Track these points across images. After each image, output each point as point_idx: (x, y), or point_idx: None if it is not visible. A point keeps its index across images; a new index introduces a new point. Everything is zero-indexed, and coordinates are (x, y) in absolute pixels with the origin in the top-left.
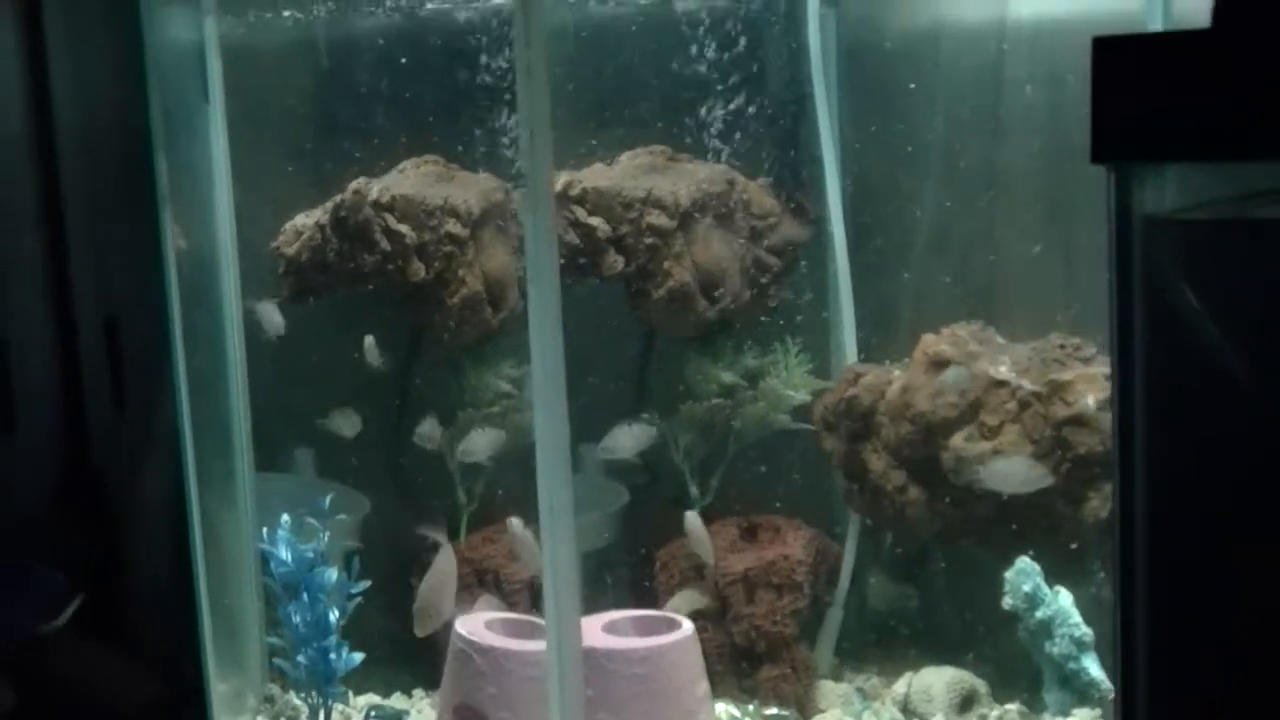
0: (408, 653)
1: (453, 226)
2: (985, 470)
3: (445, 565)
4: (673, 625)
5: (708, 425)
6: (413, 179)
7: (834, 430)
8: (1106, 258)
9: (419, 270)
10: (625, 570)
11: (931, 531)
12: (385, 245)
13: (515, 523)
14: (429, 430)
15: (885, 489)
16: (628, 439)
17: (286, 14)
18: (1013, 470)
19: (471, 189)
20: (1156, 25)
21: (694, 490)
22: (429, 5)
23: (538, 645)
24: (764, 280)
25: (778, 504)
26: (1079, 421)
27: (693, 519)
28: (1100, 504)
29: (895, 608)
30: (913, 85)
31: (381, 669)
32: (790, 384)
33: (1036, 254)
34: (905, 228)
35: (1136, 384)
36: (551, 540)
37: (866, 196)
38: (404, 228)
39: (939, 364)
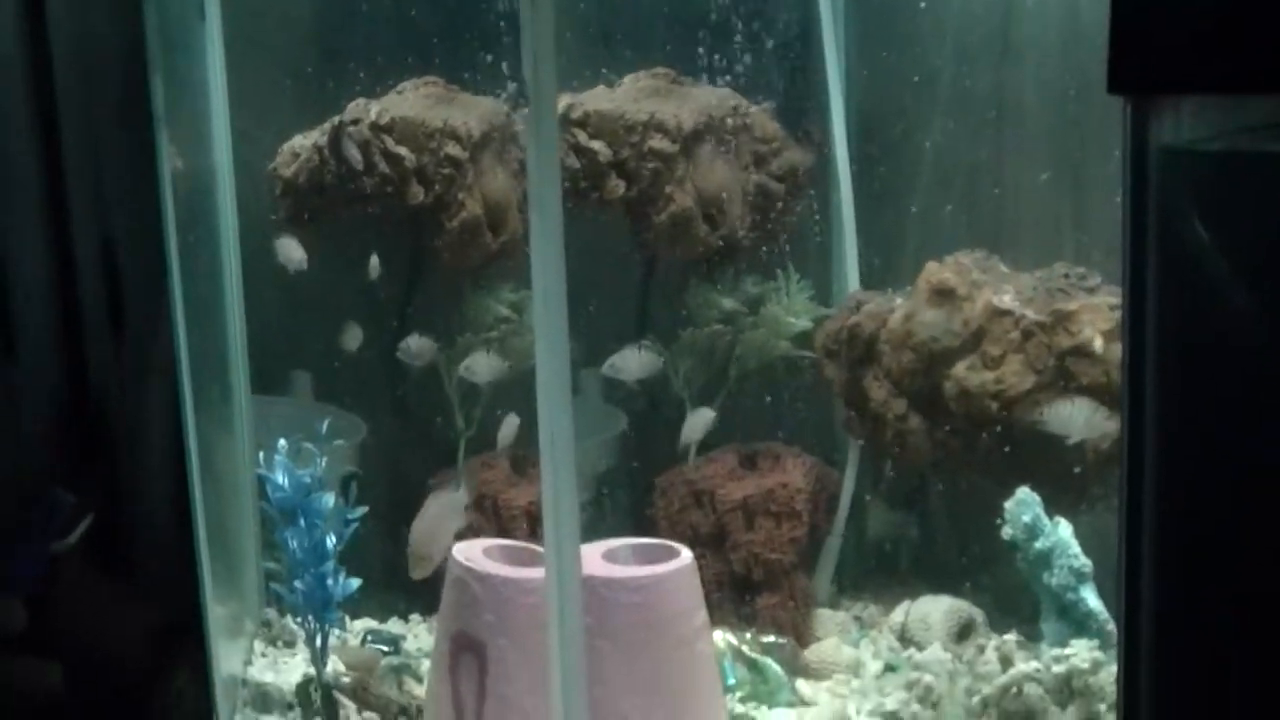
0: (405, 578)
1: (452, 149)
2: (1049, 412)
3: (437, 508)
4: (672, 554)
5: (708, 352)
6: (412, 101)
7: (835, 358)
8: (1120, 189)
9: (418, 193)
10: (625, 496)
11: (931, 461)
12: (383, 168)
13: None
14: (415, 346)
15: (886, 417)
16: (634, 363)
17: None
18: (1076, 414)
19: (472, 111)
20: None
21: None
22: None
23: (536, 573)
24: (767, 207)
25: (778, 432)
26: (1082, 352)
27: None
28: (1098, 440)
29: (893, 537)
30: (922, 7)
31: (379, 593)
32: (792, 311)
33: (1043, 182)
34: (911, 155)
35: (1149, 319)
36: (552, 468)
37: (872, 123)
38: (402, 150)
39: (942, 293)
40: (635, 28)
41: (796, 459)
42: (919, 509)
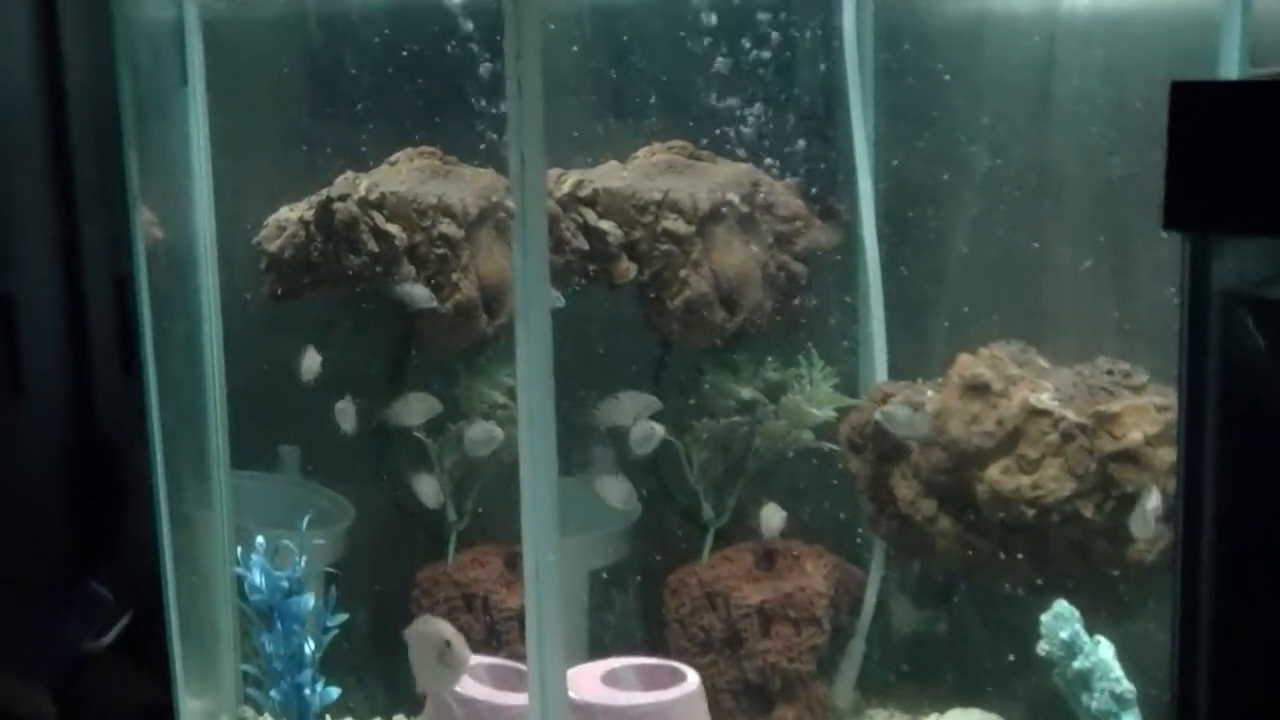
0: (389, 672)
1: (447, 227)
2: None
3: (417, 641)
4: (677, 677)
5: (725, 442)
6: (405, 174)
7: (860, 452)
8: (1167, 279)
9: (410, 273)
10: (635, 594)
11: (962, 565)
12: (373, 246)
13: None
14: (415, 404)
15: (913, 518)
16: (616, 491)
17: None
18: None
19: (469, 185)
20: (1234, 24)
21: (709, 511)
22: None
23: (522, 699)
24: (789, 289)
25: (799, 526)
26: (1127, 457)
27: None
28: (1147, 546)
29: (921, 641)
30: (957, 80)
31: (364, 687)
32: (815, 400)
33: (1086, 268)
34: (944, 235)
35: (1206, 469)
36: (535, 577)
37: (903, 200)
38: (393, 228)
39: (975, 388)
40: (653, 97)
41: (818, 559)
42: (949, 611)
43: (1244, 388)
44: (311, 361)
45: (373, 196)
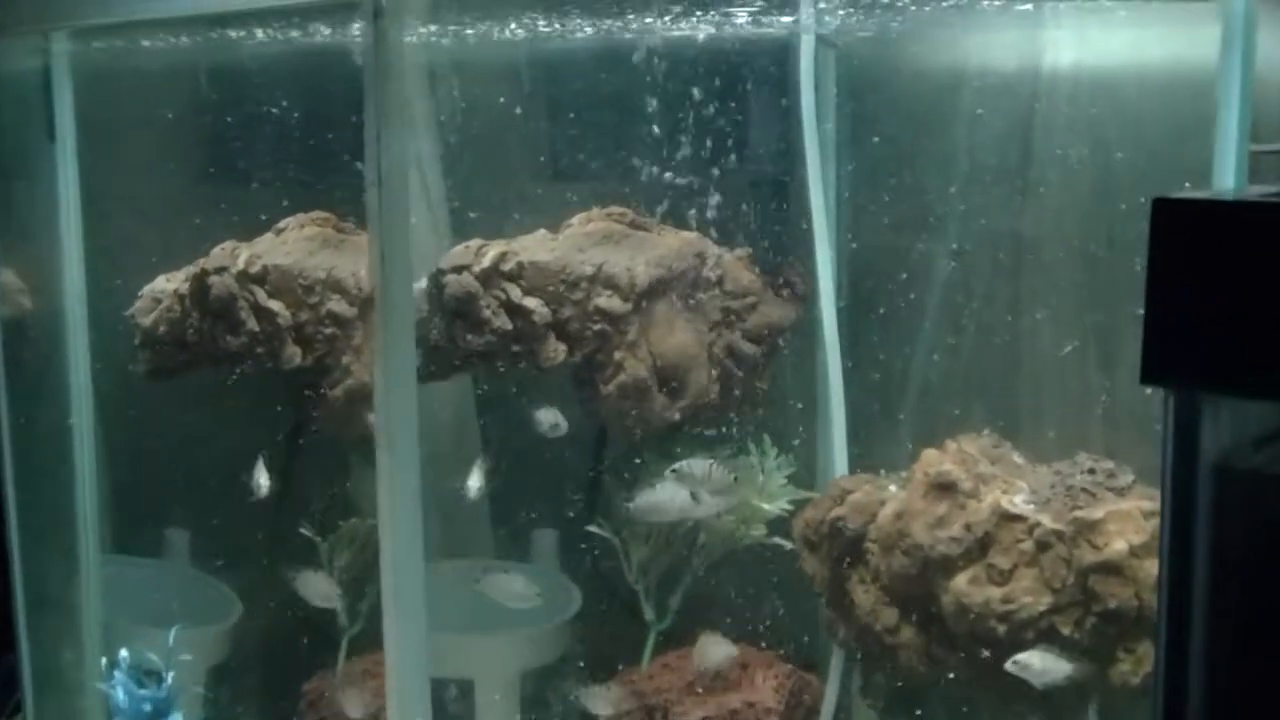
0: None
1: (336, 304)
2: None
3: None
4: None
5: (667, 539)
6: (292, 243)
7: (816, 551)
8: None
9: (294, 355)
10: (569, 701)
11: (929, 681)
12: (253, 325)
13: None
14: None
15: (873, 628)
16: (514, 587)
17: (146, 43)
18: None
19: (363, 257)
20: (1233, 92)
21: (649, 612)
22: (324, 32)
23: None
24: (739, 371)
25: (748, 629)
26: (1109, 569)
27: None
28: (1133, 668)
29: None
30: (929, 141)
31: None
32: (767, 494)
33: (1069, 352)
34: (912, 312)
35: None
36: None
37: (866, 274)
38: (276, 305)
39: (942, 487)
40: (594, 158)
41: (769, 669)
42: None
43: (1236, 563)
44: (261, 477)
45: (253, 270)
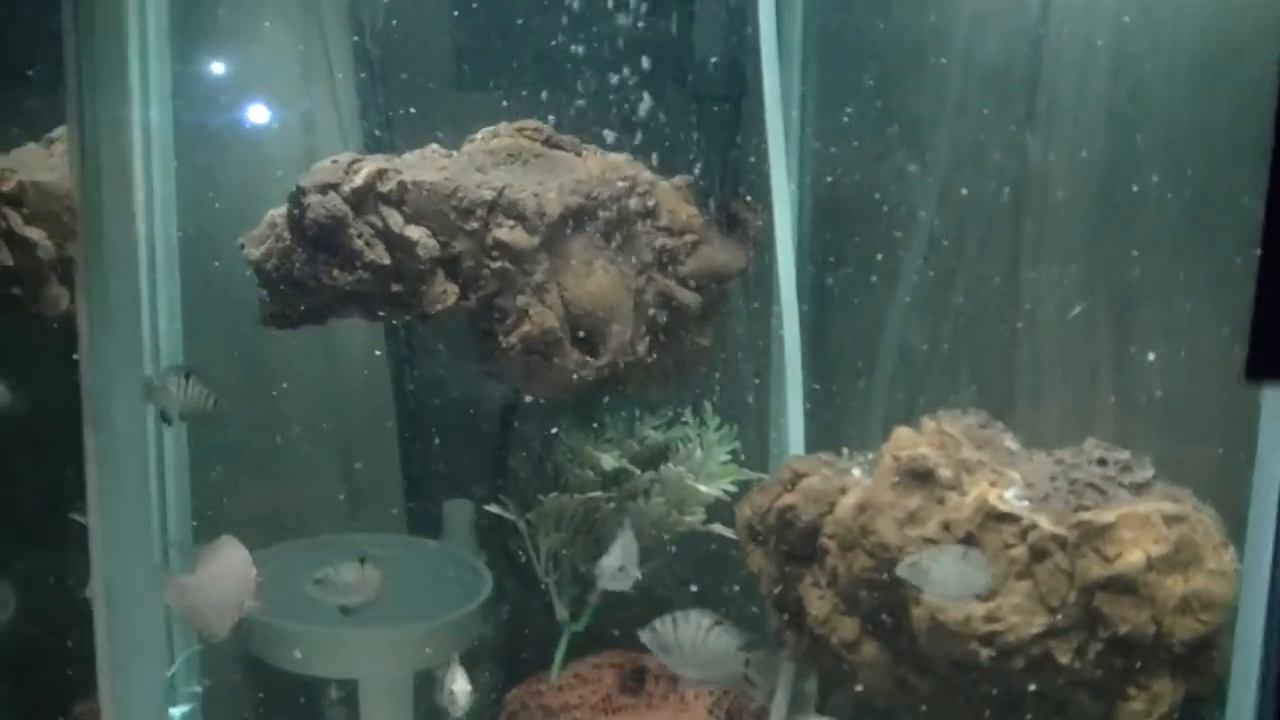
0: None
1: (508, 232)
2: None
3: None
4: None
5: (583, 525)
6: (457, 158)
7: (763, 545)
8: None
9: (444, 294)
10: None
11: (894, 705)
12: (375, 257)
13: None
14: None
15: (829, 640)
16: (349, 577)
17: None
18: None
19: (558, 175)
20: None
21: (561, 611)
22: None
23: None
24: (674, 324)
25: None
26: (1121, 586)
27: None
28: (1146, 709)
29: None
30: (916, 59)
31: None
32: (706, 472)
33: (1075, 316)
34: (888, 262)
35: None
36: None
37: (833, 214)
38: (415, 231)
39: (916, 475)
40: (507, 64)
41: None
42: None
43: None
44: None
45: (384, 187)
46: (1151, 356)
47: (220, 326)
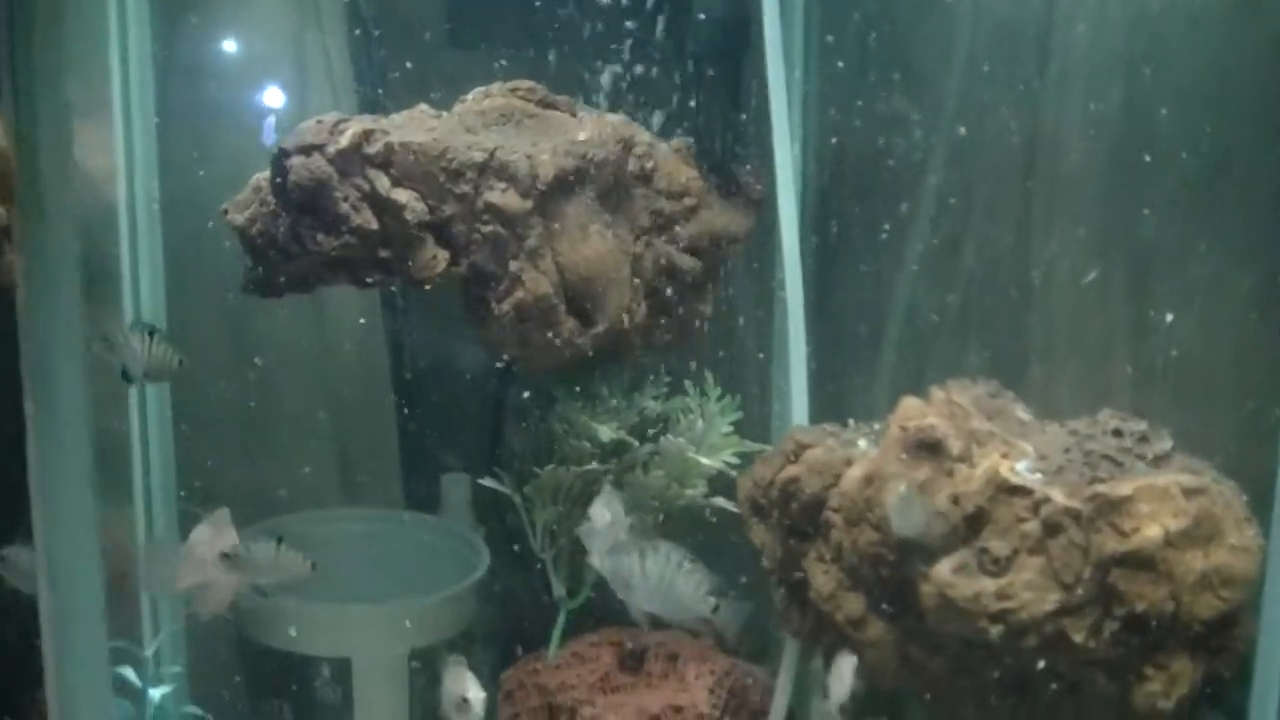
0: None
1: (500, 195)
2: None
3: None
4: None
5: (580, 498)
6: (447, 118)
7: (765, 519)
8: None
9: (434, 260)
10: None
11: (902, 686)
12: (363, 221)
13: None
14: None
15: (834, 618)
16: (263, 557)
17: None
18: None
19: (550, 136)
20: None
21: (559, 588)
22: None
23: None
24: (674, 291)
25: None
26: (1138, 562)
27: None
28: (1164, 690)
29: None
30: (925, 14)
31: None
32: (707, 444)
33: (1091, 281)
34: (896, 225)
35: None
36: None
37: (838, 177)
38: (404, 194)
39: (925, 447)
40: (501, 23)
41: (703, 662)
42: None
43: None
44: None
45: (370, 149)
46: (1170, 322)
47: (207, 295)
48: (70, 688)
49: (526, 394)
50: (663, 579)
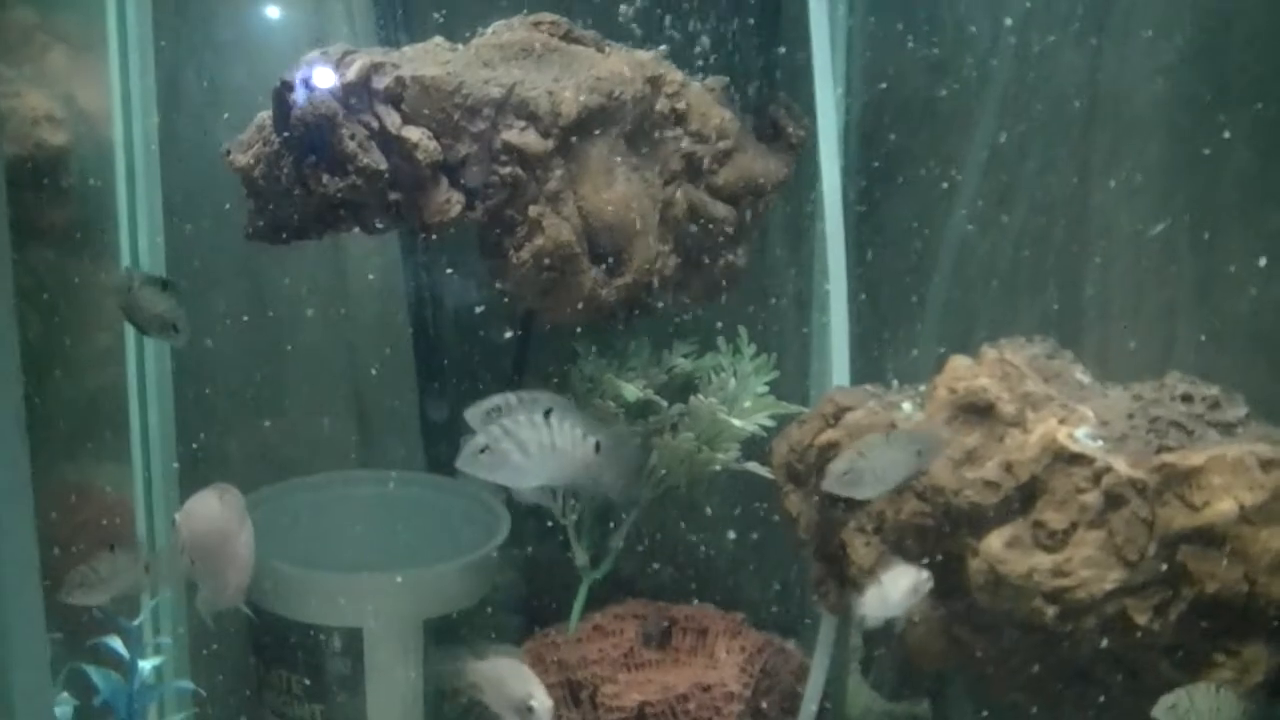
0: None
1: (519, 134)
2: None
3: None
4: None
5: None
6: (463, 53)
7: (802, 485)
8: None
9: (448, 204)
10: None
11: (948, 668)
12: (370, 161)
13: None
14: None
15: None
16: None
17: None
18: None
19: (573, 71)
20: None
21: (582, 557)
22: None
23: None
24: (706, 241)
25: (710, 583)
26: (1210, 538)
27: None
28: (1236, 676)
29: None
30: None
31: None
32: (740, 404)
33: (1158, 234)
34: (942, 177)
35: None
36: None
37: (882, 122)
38: (415, 133)
39: (974, 410)
40: None
41: (734, 637)
42: (937, 710)
43: None
44: None
45: (380, 84)
46: (1242, 279)
47: (211, 242)
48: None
49: (547, 350)
50: (540, 444)
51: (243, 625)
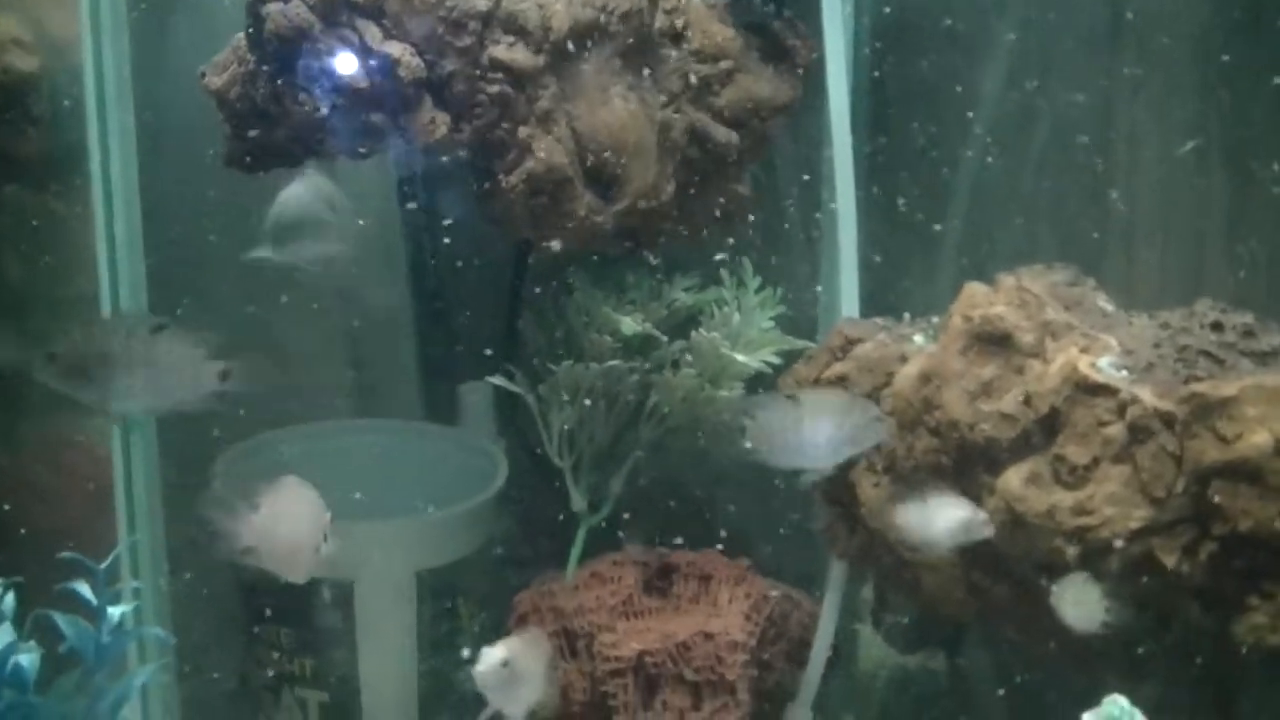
0: None
1: (506, 50)
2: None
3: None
4: None
5: (602, 399)
6: None
7: None
8: None
9: (434, 125)
10: (485, 614)
11: (964, 616)
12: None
13: None
14: None
15: (886, 536)
16: None
17: None
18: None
19: None
20: None
21: (579, 500)
22: None
23: None
24: (708, 166)
25: (713, 527)
26: (1243, 473)
27: None
28: (1270, 622)
29: (906, 709)
30: None
31: None
32: (744, 339)
33: (1187, 153)
34: (958, 96)
35: None
36: None
37: (893, 38)
38: (397, 48)
39: (991, 339)
40: None
41: (738, 584)
42: (951, 663)
43: None
44: None
45: None
46: (1276, 201)
47: (187, 172)
48: None
49: (541, 282)
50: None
51: (229, 575)
